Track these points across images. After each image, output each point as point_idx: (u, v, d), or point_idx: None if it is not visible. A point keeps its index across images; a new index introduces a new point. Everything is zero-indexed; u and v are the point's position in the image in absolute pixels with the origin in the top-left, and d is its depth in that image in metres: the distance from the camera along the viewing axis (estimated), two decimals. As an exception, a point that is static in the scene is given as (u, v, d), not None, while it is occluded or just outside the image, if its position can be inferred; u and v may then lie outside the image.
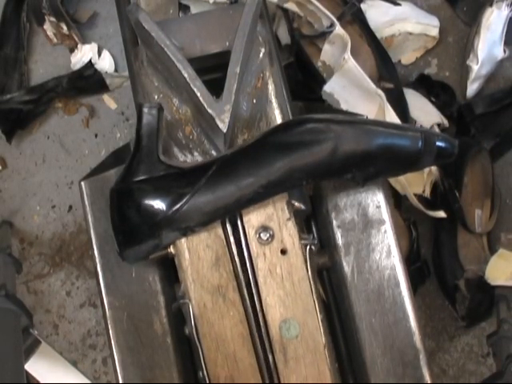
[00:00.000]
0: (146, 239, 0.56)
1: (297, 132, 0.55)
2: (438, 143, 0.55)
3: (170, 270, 0.62)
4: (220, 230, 0.58)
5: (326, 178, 0.58)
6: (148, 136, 0.56)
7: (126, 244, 0.57)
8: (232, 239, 0.58)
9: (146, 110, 0.56)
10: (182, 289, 0.58)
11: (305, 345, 0.57)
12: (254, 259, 0.58)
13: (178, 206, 0.55)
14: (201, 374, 0.57)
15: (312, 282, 0.58)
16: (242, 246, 0.58)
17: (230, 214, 0.57)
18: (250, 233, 0.58)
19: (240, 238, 0.58)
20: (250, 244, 0.58)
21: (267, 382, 0.57)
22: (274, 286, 0.57)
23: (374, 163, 0.56)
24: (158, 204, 0.55)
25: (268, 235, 0.57)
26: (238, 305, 0.57)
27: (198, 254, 0.57)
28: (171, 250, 0.58)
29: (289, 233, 0.58)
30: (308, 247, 0.58)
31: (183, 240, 0.57)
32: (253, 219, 0.58)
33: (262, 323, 0.57)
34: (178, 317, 0.60)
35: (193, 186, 0.55)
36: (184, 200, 0.55)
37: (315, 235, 0.65)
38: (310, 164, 0.55)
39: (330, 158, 0.55)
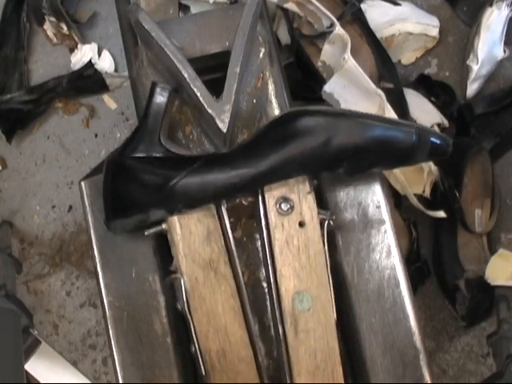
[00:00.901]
0: (134, 213, 0.57)
1: (291, 124, 0.56)
2: (432, 139, 0.55)
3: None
4: (212, 205, 0.58)
5: (318, 171, 0.59)
6: (154, 115, 0.57)
7: (113, 215, 0.57)
8: (225, 214, 0.58)
9: (158, 89, 0.57)
10: (173, 264, 0.59)
11: (316, 318, 0.57)
12: (271, 229, 0.57)
13: (167, 185, 0.55)
14: (193, 348, 0.58)
15: (327, 256, 0.58)
16: (226, 226, 0.58)
17: (217, 200, 0.57)
18: (270, 203, 0.57)
19: (225, 220, 0.58)
20: (269, 214, 0.57)
21: (258, 354, 0.58)
22: (289, 258, 0.57)
23: (367, 156, 0.56)
24: (149, 182, 0.56)
25: (288, 206, 0.57)
26: (229, 279, 0.57)
27: (189, 229, 0.57)
28: (164, 225, 0.58)
29: (308, 206, 0.58)
30: (326, 222, 0.59)
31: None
32: (274, 190, 0.58)
33: (274, 294, 0.57)
34: (178, 317, 0.60)
35: (187, 167, 0.55)
36: (174, 181, 0.55)
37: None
38: (303, 156, 0.55)
39: (322, 150, 0.55)
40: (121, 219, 0.58)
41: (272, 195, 0.58)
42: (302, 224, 0.58)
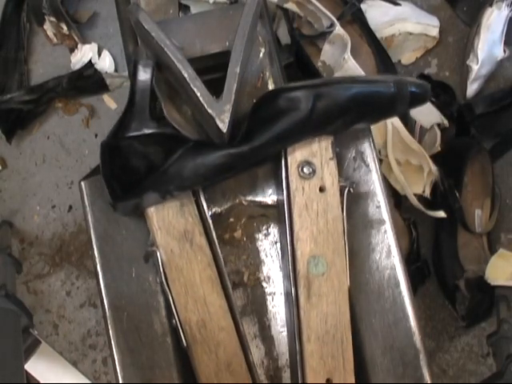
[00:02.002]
0: (129, 197, 0.57)
1: (274, 103, 0.57)
2: (411, 89, 0.56)
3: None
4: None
5: (307, 137, 0.59)
6: (141, 93, 0.57)
7: (114, 198, 0.58)
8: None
9: (141, 66, 0.57)
10: (150, 237, 0.59)
11: (330, 283, 0.57)
12: (291, 192, 0.58)
13: (160, 168, 0.56)
14: (174, 321, 0.58)
15: (345, 224, 0.58)
16: (201, 197, 0.59)
17: (208, 182, 0.58)
18: (292, 166, 0.58)
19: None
20: (291, 177, 0.58)
21: (238, 323, 0.57)
22: (308, 222, 0.58)
23: (351, 113, 0.57)
24: (143, 163, 0.56)
25: (310, 170, 0.58)
26: (205, 249, 0.58)
27: (163, 202, 0.58)
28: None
29: (329, 172, 0.58)
30: (346, 189, 0.59)
31: None
32: (297, 153, 0.58)
33: (290, 257, 0.58)
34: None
35: (179, 148, 0.56)
36: (167, 163, 0.56)
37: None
38: (291, 129, 0.56)
39: (308, 119, 0.56)
40: (120, 202, 0.58)
41: (295, 158, 0.58)
42: (322, 189, 0.58)
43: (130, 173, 0.57)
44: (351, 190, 0.59)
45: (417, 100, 0.58)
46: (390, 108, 0.58)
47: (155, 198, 0.57)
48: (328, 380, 0.57)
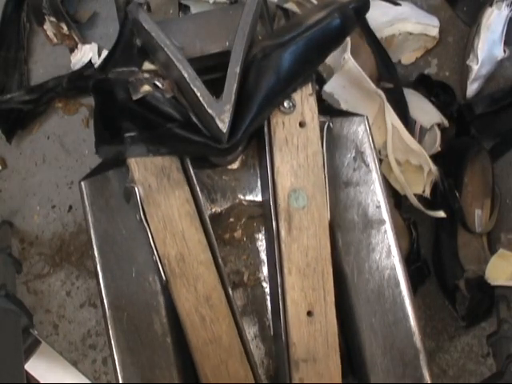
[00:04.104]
0: (114, 142, 0.58)
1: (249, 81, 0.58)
2: (354, 8, 0.59)
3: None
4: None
5: (282, 95, 0.60)
6: (131, 30, 0.59)
7: (99, 139, 0.59)
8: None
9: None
10: (129, 175, 0.59)
11: (310, 217, 0.58)
12: (272, 127, 0.59)
13: (157, 129, 0.57)
14: (154, 257, 0.58)
15: (325, 158, 0.59)
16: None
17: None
18: None
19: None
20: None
21: (217, 258, 0.58)
22: (288, 156, 0.59)
23: (313, 59, 0.60)
24: (138, 119, 0.57)
25: (290, 105, 0.59)
26: (182, 184, 0.58)
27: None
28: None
29: (309, 107, 0.59)
30: (326, 124, 0.60)
31: None
32: None
33: (271, 192, 0.59)
34: (178, 317, 0.60)
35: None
36: (164, 127, 0.57)
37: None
38: (264, 93, 0.57)
39: (277, 82, 0.57)
40: (103, 145, 0.59)
41: None
42: (302, 124, 0.59)
43: (118, 108, 0.57)
44: (331, 125, 0.61)
45: (361, 13, 0.60)
46: (343, 33, 0.60)
47: (142, 152, 0.58)
48: (309, 312, 0.57)
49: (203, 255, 0.58)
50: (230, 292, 0.58)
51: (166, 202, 0.58)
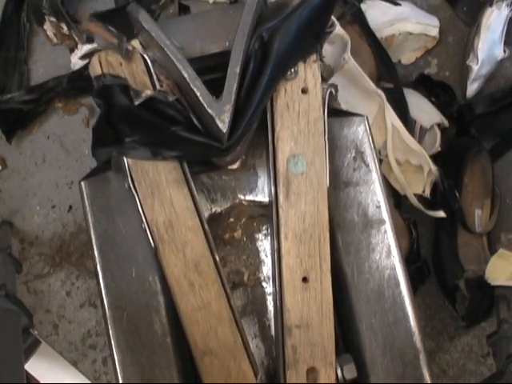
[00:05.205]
0: (113, 144, 0.58)
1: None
2: None
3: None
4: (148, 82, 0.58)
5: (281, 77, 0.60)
6: None
7: (97, 141, 0.59)
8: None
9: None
10: None
11: (309, 182, 0.58)
12: (274, 93, 0.59)
13: (166, 132, 0.57)
14: (143, 225, 0.58)
15: (326, 125, 0.59)
16: None
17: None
18: None
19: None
20: None
21: (204, 225, 0.58)
22: (289, 121, 0.59)
23: (305, 38, 0.59)
24: (144, 124, 0.57)
25: (293, 71, 0.59)
26: None
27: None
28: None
29: (312, 73, 0.59)
30: (328, 91, 0.60)
31: None
32: None
33: (271, 156, 0.59)
34: (178, 317, 0.60)
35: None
36: (173, 129, 0.57)
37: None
38: (265, 85, 0.57)
39: (276, 69, 0.58)
40: (103, 148, 0.59)
41: None
42: (304, 91, 0.59)
43: (121, 113, 0.57)
44: (333, 91, 0.60)
45: None
46: (330, 6, 0.60)
47: (146, 156, 0.58)
48: (304, 278, 0.57)
49: (191, 221, 0.57)
50: (218, 259, 0.58)
51: (154, 169, 0.58)
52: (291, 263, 0.57)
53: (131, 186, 0.57)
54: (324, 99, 0.59)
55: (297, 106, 0.59)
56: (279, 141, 0.58)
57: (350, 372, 0.59)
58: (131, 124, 0.57)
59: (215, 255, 0.58)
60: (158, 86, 0.58)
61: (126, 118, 0.57)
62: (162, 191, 0.57)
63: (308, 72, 0.59)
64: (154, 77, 0.59)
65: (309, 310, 0.57)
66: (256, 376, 0.57)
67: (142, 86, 0.58)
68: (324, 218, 0.58)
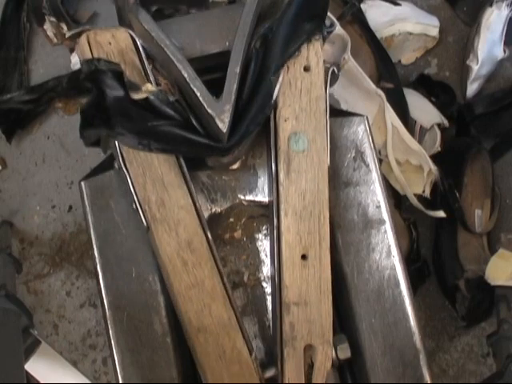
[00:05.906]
0: (101, 126, 0.57)
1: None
2: None
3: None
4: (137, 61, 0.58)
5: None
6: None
7: (85, 122, 0.58)
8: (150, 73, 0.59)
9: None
10: None
11: (310, 160, 0.58)
12: None
13: (149, 122, 0.56)
14: (134, 205, 0.58)
15: (328, 103, 0.59)
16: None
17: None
18: None
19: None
20: None
21: (196, 203, 0.58)
22: (291, 99, 0.58)
23: (303, 26, 0.59)
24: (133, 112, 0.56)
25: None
26: None
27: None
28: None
29: (315, 51, 0.59)
30: (330, 69, 0.60)
31: None
32: None
33: (272, 134, 0.58)
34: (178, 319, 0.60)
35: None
36: (159, 123, 0.56)
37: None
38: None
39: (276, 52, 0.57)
40: (91, 129, 0.58)
41: None
42: (306, 68, 0.59)
43: (112, 101, 0.56)
44: (335, 70, 0.61)
45: None
46: None
47: (132, 144, 0.56)
48: (303, 256, 0.57)
49: (183, 200, 0.57)
50: (210, 237, 0.58)
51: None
52: (290, 240, 0.57)
53: (122, 165, 0.57)
54: (326, 77, 0.59)
55: (299, 84, 0.59)
56: (281, 118, 0.58)
57: (344, 352, 0.59)
58: (122, 113, 0.56)
59: (208, 234, 0.58)
60: (151, 77, 0.57)
61: (117, 106, 0.56)
62: (153, 170, 0.57)
63: (311, 50, 0.59)
64: (145, 60, 0.58)
65: (307, 287, 0.57)
66: (250, 353, 0.57)
67: (132, 64, 0.57)
68: (324, 197, 0.58)
